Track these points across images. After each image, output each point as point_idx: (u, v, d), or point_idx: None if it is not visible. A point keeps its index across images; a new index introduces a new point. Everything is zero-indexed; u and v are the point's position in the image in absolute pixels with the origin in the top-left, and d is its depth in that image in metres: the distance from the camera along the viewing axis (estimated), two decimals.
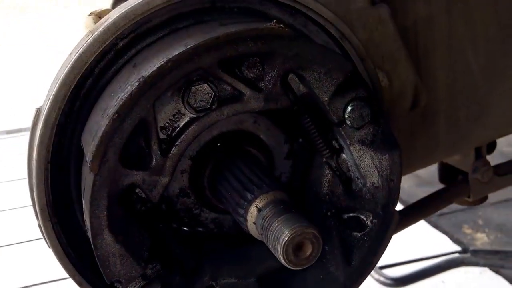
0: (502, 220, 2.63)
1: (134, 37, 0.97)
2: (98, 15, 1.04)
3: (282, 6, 1.04)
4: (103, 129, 0.85)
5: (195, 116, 0.93)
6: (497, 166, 1.61)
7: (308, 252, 0.86)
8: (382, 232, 1.06)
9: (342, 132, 1.01)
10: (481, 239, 2.54)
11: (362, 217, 1.06)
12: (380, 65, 1.22)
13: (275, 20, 0.93)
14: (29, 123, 1.01)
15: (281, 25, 0.92)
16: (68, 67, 0.95)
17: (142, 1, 0.96)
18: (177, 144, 0.93)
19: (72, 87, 0.95)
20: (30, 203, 1.01)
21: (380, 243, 1.07)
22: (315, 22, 1.07)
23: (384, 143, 1.01)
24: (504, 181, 1.59)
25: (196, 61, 0.87)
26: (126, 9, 0.95)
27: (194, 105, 0.92)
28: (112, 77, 0.96)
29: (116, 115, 0.85)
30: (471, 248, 2.23)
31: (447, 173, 1.64)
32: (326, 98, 0.98)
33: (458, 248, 2.52)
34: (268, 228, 0.87)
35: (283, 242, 0.84)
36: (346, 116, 0.99)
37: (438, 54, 1.34)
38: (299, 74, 0.95)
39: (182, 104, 0.91)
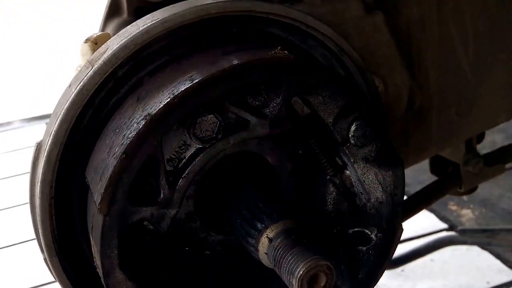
0: (485, 195, 2.67)
1: (133, 64, 0.94)
2: (95, 41, 1.00)
3: (282, 23, 1.02)
4: (111, 169, 0.82)
5: (201, 146, 0.90)
6: (487, 156, 1.62)
7: (322, 283, 0.85)
8: (386, 246, 1.06)
9: (346, 151, 0.99)
10: (467, 215, 2.58)
11: (367, 231, 1.06)
12: (376, 71, 1.21)
13: (279, 47, 0.90)
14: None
15: (285, 52, 0.89)
16: (68, 102, 0.91)
17: (142, 30, 0.92)
18: (184, 176, 0.90)
19: (73, 122, 0.92)
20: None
21: (385, 256, 1.07)
22: (314, 38, 1.05)
23: (387, 160, 1.01)
24: (494, 171, 1.60)
25: (202, 96, 0.85)
26: (126, 39, 0.91)
27: (200, 136, 0.89)
28: (113, 108, 0.93)
29: (124, 155, 0.82)
30: (459, 227, 2.26)
31: (438, 164, 1.64)
32: (331, 120, 0.96)
33: (445, 225, 2.56)
34: (281, 260, 0.86)
35: (298, 276, 0.83)
36: (350, 135, 0.98)
37: (429, 53, 1.33)
38: (304, 98, 0.93)
39: (187, 135, 0.88)
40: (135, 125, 0.83)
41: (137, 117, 0.85)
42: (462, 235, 2.21)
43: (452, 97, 1.39)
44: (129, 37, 0.92)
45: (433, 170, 1.66)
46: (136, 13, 1.21)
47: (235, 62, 0.85)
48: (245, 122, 0.91)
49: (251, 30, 1.00)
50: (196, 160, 0.90)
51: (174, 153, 0.90)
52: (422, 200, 1.56)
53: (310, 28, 1.02)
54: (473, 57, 1.37)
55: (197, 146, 0.90)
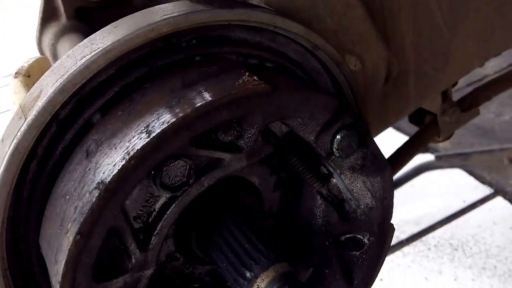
0: None
1: (78, 101, 0.77)
2: (27, 74, 0.82)
3: (247, 26, 0.85)
4: (66, 252, 0.68)
5: (172, 195, 0.77)
6: (461, 101, 1.52)
7: None
8: (379, 248, 0.97)
9: (332, 164, 0.87)
10: None
11: (359, 236, 0.96)
12: (350, 49, 1.06)
13: (247, 74, 0.74)
14: None
15: (255, 79, 0.73)
16: (4, 164, 0.75)
17: (80, 66, 0.74)
18: (157, 233, 0.76)
19: (13, 186, 0.76)
20: None
21: (378, 258, 0.98)
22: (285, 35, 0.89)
23: (374, 165, 0.88)
24: (470, 115, 1.51)
25: (164, 150, 0.70)
26: (62, 78, 0.73)
27: (169, 184, 0.74)
28: (61, 160, 0.78)
29: (79, 236, 0.68)
30: (435, 153, 2.21)
31: (415, 114, 1.55)
32: (312, 138, 0.83)
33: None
34: None
35: None
36: (334, 149, 0.85)
37: (403, 14, 1.19)
38: (282, 122, 0.79)
39: (154, 186, 0.73)
40: (87, 195, 0.68)
41: (89, 183, 0.69)
42: (438, 161, 2.16)
43: (428, 54, 1.28)
44: (65, 76, 0.74)
45: (411, 119, 1.57)
46: (77, 15, 1.02)
47: (199, 103, 0.69)
48: (219, 161, 0.77)
49: (213, 37, 0.83)
50: (168, 212, 0.76)
51: (141, 208, 0.75)
52: (406, 154, 1.47)
53: (278, 28, 0.85)
54: (447, 11, 1.24)
55: (167, 195, 0.76)
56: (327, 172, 0.91)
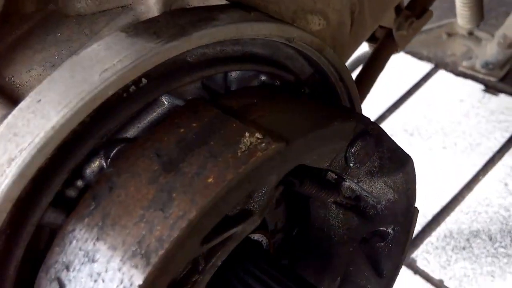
0: None
1: (19, 208, 0.56)
2: None
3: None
4: None
5: None
6: (411, 7, 1.36)
7: None
8: (405, 233, 0.85)
9: (348, 177, 0.71)
10: None
11: (383, 228, 0.84)
12: (311, 8, 0.86)
13: (247, 134, 0.53)
14: None
15: (259, 137, 0.52)
16: None
17: (13, 177, 0.51)
18: None
19: None
20: None
21: (404, 243, 0.86)
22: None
23: (394, 162, 0.73)
24: (424, 20, 1.36)
25: (170, 271, 0.51)
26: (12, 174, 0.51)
27: (176, 280, 0.57)
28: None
29: None
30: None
31: None
32: (327, 165, 0.66)
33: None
34: None
35: None
36: (351, 164, 0.69)
37: None
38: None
39: None
40: None
41: None
42: None
43: None
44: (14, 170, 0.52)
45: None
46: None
47: (202, 197, 0.50)
48: (231, 236, 0.59)
49: (167, 66, 0.61)
50: None
51: None
52: (370, 76, 1.32)
53: (244, 36, 0.64)
54: None
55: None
56: (336, 177, 0.75)
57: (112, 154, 0.59)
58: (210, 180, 0.50)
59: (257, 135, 0.53)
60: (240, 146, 0.52)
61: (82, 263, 0.52)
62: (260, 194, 0.59)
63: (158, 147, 0.55)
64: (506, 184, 1.99)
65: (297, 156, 0.56)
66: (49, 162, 0.55)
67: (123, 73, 0.54)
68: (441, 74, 2.30)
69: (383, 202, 0.78)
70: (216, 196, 0.50)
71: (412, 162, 0.74)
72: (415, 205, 0.83)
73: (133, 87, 0.60)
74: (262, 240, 0.75)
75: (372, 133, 0.67)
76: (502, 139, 2.09)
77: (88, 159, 0.59)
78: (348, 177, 0.70)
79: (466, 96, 2.19)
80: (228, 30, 0.60)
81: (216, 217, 0.51)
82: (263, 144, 0.52)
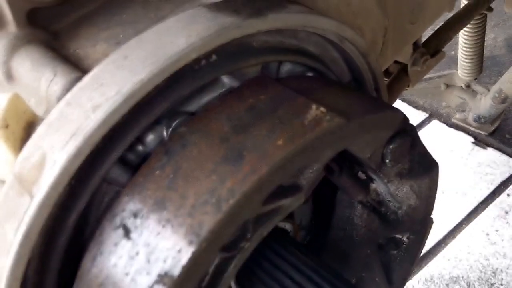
0: None
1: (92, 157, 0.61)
2: (5, 125, 0.62)
3: None
4: None
5: (227, 256, 0.64)
6: (426, 46, 1.45)
7: None
8: (418, 243, 0.91)
9: (381, 175, 0.77)
10: None
11: (398, 236, 0.89)
12: (352, 23, 0.94)
13: (314, 106, 0.60)
14: None
15: (323, 111, 0.59)
16: (12, 258, 0.57)
17: (97, 121, 0.56)
18: None
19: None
20: None
21: (416, 253, 0.92)
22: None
23: (422, 166, 0.80)
24: (436, 60, 1.46)
25: (236, 221, 0.56)
26: (77, 141, 0.54)
27: (225, 245, 0.62)
28: (77, 236, 0.61)
29: None
30: None
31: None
32: (368, 155, 0.72)
33: None
34: None
35: None
36: (387, 160, 0.75)
37: None
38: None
39: None
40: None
41: (143, 273, 0.54)
42: None
43: (406, 8, 1.19)
44: (79, 135, 0.56)
45: None
46: (30, 19, 0.80)
47: (271, 155, 0.55)
48: (279, 208, 0.65)
49: (234, 47, 0.67)
50: (225, 275, 0.64)
51: None
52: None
53: (308, 27, 0.71)
54: None
55: (221, 256, 0.63)
56: (365, 178, 0.81)
57: (174, 124, 0.64)
58: (279, 142, 0.56)
59: (322, 109, 0.59)
60: (307, 116, 0.58)
61: (151, 211, 0.56)
62: (310, 171, 0.64)
63: (228, 112, 0.60)
64: (487, 234, 2.08)
65: (353, 136, 0.62)
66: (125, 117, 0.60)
67: (208, 40, 0.59)
68: (435, 124, 2.42)
69: (404, 208, 0.84)
70: (285, 157, 0.55)
71: (438, 168, 0.81)
72: (432, 216, 0.89)
73: (204, 61, 0.65)
74: (290, 231, 0.80)
75: (410, 133, 0.73)
76: (487, 191, 2.18)
77: (151, 127, 0.63)
78: (381, 175, 0.76)
79: (456, 147, 2.29)
80: (298, 18, 0.66)
81: (280, 179, 0.56)
82: (328, 117, 0.58)
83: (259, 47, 0.70)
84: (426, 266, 2.00)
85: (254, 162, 0.55)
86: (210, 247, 0.54)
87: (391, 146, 0.73)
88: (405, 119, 0.73)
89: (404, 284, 0.94)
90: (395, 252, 0.89)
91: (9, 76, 0.80)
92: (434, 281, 1.98)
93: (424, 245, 0.92)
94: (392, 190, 0.80)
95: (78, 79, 0.65)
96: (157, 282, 0.53)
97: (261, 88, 0.64)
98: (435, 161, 0.81)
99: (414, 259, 0.91)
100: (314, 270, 0.72)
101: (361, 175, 0.81)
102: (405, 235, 0.87)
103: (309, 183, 0.65)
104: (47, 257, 0.61)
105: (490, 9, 1.60)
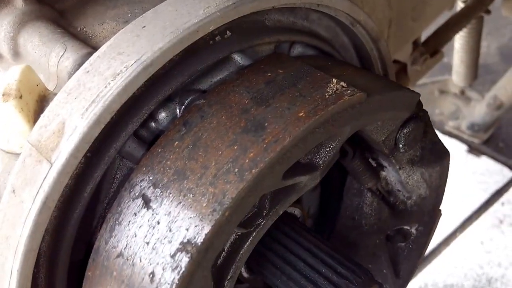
0: None
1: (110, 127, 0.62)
2: (19, 95, 0.63)
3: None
4: None
5: (245, 232, 0.64)
6: (425, 45, 1.48)
7: None
8: (426, 236, 0.92)
9: (393, 160, 0.79)
10: None
11: (406, 227, 0.91)
12: None
13: (335, 81, 0.61)
14: None
15: (344, 85, 0.60)
16: (31, 224, 0.58)
17: (117, 88, 0.57)
18: (231, 277, 0.65)
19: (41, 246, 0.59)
20: None
21: (423, 246, 0.93)
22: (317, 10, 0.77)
23: (434, 154, 0.81)
24: (435, 60, 1.49)
25: (258, 192, 0.56)
26: (97, 107, 0.55)
27: (242, 221, 0.63)
28: (92, 205, 0.62)
29: None
30: None
31: None
32: (383, 138, 0.74)
33: None
34: None
35: None
36: (400, 144, 0.76)
37: None
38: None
39: None
40: (168, 258, 0.54)
41: (165, 242, 0.55)
42: None
43: (408, 4, 1.23)
44: (98, 102, 0.57)
45: None
46: None
47: (294, 127, 0.56)
48: (295, 185, 0.66)
49: (248, 25, 0.69)
50: (242, 251, 0.64)
51: None
52: None
53: (321, 6, 0.73)
54: None
55: (238, 232, 0.64)
56: (375, 165, 0.83)
57: (186, 102, 0.65)
58: (301, 114, 0.57)
59: (342, 83, 0.60)
60: (327, 90, 0.59)
61: (172, 181, 0.57)
62: (327, 149, 0.66)
63: (247, 86, 0.62)
64: (482, 243, 2.10)
65: (372, 113, 0.64)
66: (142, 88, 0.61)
67: (226, 11, 0.61)
68: None
69: (414, 198, 0.85)
70: (308, 128, 0.57)
71: (449, 157, 0.83)
72: (440, 208, 0.91)
73: (218, 37, 0.67)
74: (299, 217, 0.81)
75: (423, 118, 0.75)
76: (481, 200, 2.21)
77: (164, 104, 0.64)
78: (393, 161, 0.77)
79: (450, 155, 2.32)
80: None
81: (302, 151, 0.58)
82: (349, 91, 0.59)
83: (272, 26, 0.71)
84: (420, 273, 2.02)
85: (277, 132, 0.56)
86: (232, 217, 0.55)
87: (405, 130, 0.74)
88: (420, 102, 0.74)
89: (410, 277, 0.95)
90: (403, 244, 0.90)
91: (16, 53, 0.81)
92: None
93: (431, 237, 0.93)
94: (403, 178, 0.81)
95: (89, 54, 0.65)
96: (179, 250, 0.54)
97: (278, 63, 0.65)
98: (446, 149, 0.82)
99: (421, 252, 0.92)
100: (327, 253, 0.73)
101: (372, 162, 0.82)
102: (413, 227, 0.89)
103: (325, 163, 0.66)
104: (61, 231, 0.61)
105: (488, 12, 1.64)
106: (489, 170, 2.29)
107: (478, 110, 2.19)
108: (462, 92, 2.19)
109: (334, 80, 0.60)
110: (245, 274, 0.78)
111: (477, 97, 2.18)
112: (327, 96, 0.59)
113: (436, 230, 0.95)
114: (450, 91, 2.22)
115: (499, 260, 2.05)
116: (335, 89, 0.60)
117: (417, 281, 2.00)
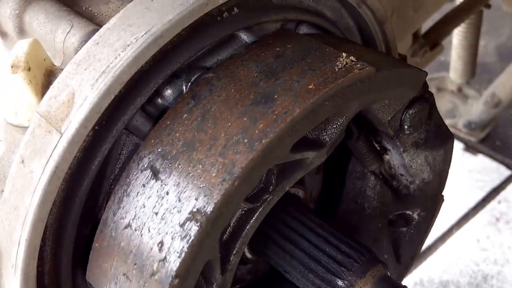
0: None
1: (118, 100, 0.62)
2: (27, 67, 0.63)
3: None
4: None
5: (251, 207, 0.65)
6: (425, 38, 1.50)
7: None
8: (428, 221, 0.93)
9: (397, 142, 0.80)
10: None
11: (408, 212, 0.92)
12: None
13: (344, 55, 0.62)
14: None
15: (353, 60, 0.62)
16: (40, 194, 0.58)
17: (127, 59, 0.57)
18: (236, 252, 0.66)
19: (49, 218, 0.60)
20: None
21: (425, 231, 0.95)
22: None
23: (438, 137, 0.82)
24: (435, 53, 1.51)
25: (267, 163, 0.57)
26: (107, 78, 0.56)
27: (249, 195, 0.64)
28: (100, 177, 0.63)
29: (177, 279, 0.55)
30: None
31: None
32: (389, 118, 0.75)
33: None
34: None
35: None
36: (405, 126, 0.77)
37: None
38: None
39: None
40: (177, 228, 0.54)
41: (174, 212, 0.55)
42: None
43: None
44: (109, 73, 0.57)
45: None
46: None
47: (304, 99, 0.57)
48: (301, 160, 0.67)
49: (255, 2, 0.70)
50: (248, 226, 0.65)
51: None
52: None
53: None
54: None
55: (245, 208, 0.65)
56: (379, 149, 0.84)
57: (192, 79, 0.66)
58: (311, 86, 0.58)
59: (352, 58, 0.61)
60: (337, 64, 0.60)
61: (180, 152, 0.58)
62: (334, 126, 0.67)
63: (256, 60, 0.63)
64: (478, 240, 2.12)
65: (380, 89, 0.65)
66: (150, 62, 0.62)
67: None
68: None
69: (417, 182, 0.86)
70: (317, 100, 0.58)
71: (453, 141, 0.84)
72: (443, 194, 0.92)
73: (226, 13, 0.68)
74: (302, 198, 0.82)
75: (429, 100, 0.76)
76: (477, 197, 2.23)
77: (170, 80, 0.65)
78: (397, 143, 0.78)
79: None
80: None
81: (311, 124, 0.59)
82: (359, 65, 0.60)
83: (278, 4, 0.72)
84: (416, 270, 2.03)
85: (286, 104, 0.57)
86: (241, 187, 0.56)
87: (410, 111, 0.75)
88: (426, 83, 0.76)
89: (411, 263, 0.96)
90: (405, 229, 0.91)
91: (21, 31, 0.81)
92: (424, 285, 2.01)
93: (433, 223, 0.95)
94: (406, 162, 0.82)
95: (96, 31, 0.66)
96: (189, 219, 0.55)
97: (287, 38, 0.66)
98: (450, 133, 0.84)
99: (423, 238, 0.93)
100: (330, 232, 0.74)
101: (376, 146, 0.83)
102: (415, 212, 0.90)
103: (331, 140, 0.67)
104: (69, 204, 0.62)
105: (489, 6, 1.66)
106: (485, 168, 2.31)
107: (475, 108, 2.21)
108: (460, 90, 2.21)
109: (344, 54, 0.61)
110: (248, 255, 0.79)
111: (475, 94, 2.20)
112: (336, 70, 0.60)
113: (437, 217, 0.96)
114: (448, 89, 2.24)
115: (495, 257, 2.07)
116: (344, 63, 0.61)
117: (412, 277, 2.01)
